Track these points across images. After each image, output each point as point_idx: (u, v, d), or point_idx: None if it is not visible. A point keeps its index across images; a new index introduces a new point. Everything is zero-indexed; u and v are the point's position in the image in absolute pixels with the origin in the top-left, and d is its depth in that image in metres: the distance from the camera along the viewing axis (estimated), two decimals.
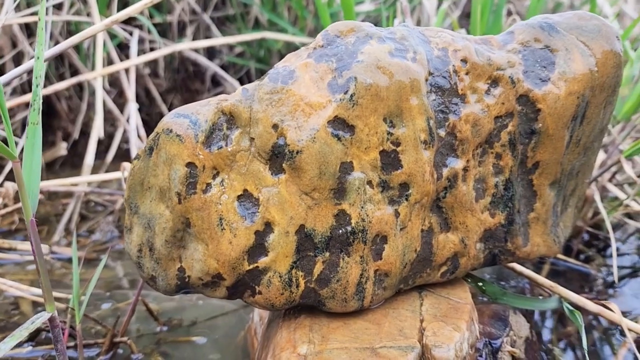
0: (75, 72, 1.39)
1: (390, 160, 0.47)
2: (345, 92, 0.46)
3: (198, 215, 0.46)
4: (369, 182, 0.47)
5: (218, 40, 1.27)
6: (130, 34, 1.34)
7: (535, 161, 0.54)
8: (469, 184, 0.51)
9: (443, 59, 0.50)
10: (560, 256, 0.87)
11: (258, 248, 0.47)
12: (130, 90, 1.19)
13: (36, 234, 0.45)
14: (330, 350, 0.45)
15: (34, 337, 0.68)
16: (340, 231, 0.47)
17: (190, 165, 0.46)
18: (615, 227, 0.95)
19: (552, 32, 0.53)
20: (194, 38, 1.58)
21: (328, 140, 0.45)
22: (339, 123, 0.46)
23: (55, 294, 0.73)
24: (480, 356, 0.51)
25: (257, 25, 1.59)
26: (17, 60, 1.32)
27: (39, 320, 0.45)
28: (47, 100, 1.41)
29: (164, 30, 1.53)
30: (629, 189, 0.91)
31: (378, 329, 0.48)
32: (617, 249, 0.91)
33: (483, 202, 0.53)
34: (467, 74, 0.50)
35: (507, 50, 0.53)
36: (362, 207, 0.47)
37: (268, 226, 0.47)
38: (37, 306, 0.77)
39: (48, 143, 1.41)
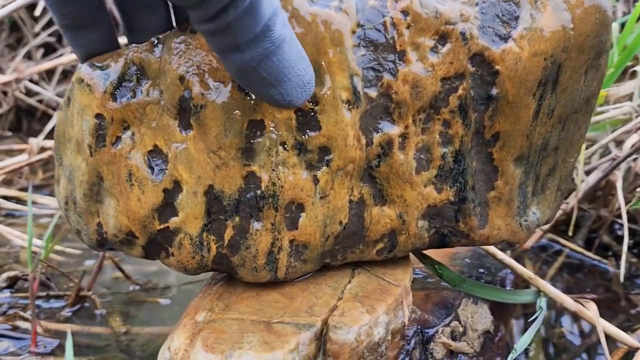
0: None
1: (307, 120, 0.43)
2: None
3: (108, 169, 0.45)
4: (283, 144, 0.43)
5: None
6: None
7: (495, 132, 0.47)
8: (408, 153, 0.46)
9: (379, 9, 0.44)
10: (577, 248, 0.78)
11: (168, 207, 0.45)
12: None
13: None
14: (224, 320, 0.43)
15: (13, 285, 0.71)
16: (249, 195, 0.44)
17: (98, 116, 0.44)
18: None
19: None
20: None
21: (234, 95, 0.42)
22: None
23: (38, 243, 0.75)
24: (408, 344, 0.46)
25: None
26: None
27: None
28: None
29: None
30: None
31: (288, 303, 0.45)
32: None
33: (427, 175, 0.47)
34: (407, 27, 0.44)
35: (462, 1, 0.46)
36: (274, 170, 0.43)
37: (177, 185, 0.44)
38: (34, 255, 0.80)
39: None
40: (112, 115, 0.44)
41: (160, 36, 0.45)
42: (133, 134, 0.44)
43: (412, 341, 0.47)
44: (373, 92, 0.44)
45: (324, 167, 0.44)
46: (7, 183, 1.05)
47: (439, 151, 0.47)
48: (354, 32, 0.43)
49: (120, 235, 0.46)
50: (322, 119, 0.43)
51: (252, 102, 0.42)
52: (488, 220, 0.49)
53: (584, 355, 0.61)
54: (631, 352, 0.54)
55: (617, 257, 0.77)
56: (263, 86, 0.38)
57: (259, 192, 0.44)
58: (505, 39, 0.45)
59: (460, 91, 0.45)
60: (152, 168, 0.44)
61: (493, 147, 0.48)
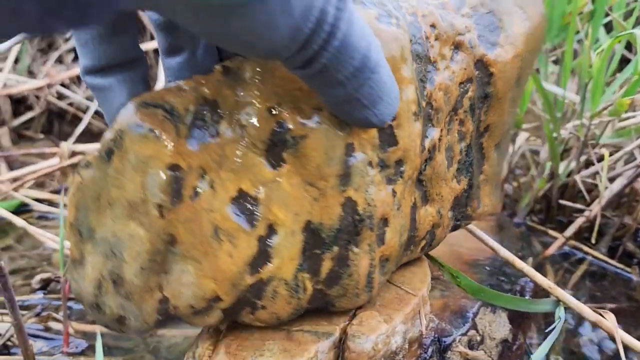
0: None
1: (386, 137, 0.43)
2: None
3: (187, 228, 0.37)
4: (370, 163, 0.42)
5: None
6: None
7: (487, 125, 0.52)
8: (442, 153, 0.49)
9: (415, 24, 0.46)
10: (600, 256, 0.78)
11: (261, 256, 0.40)
12: None
13: None
14: (245, 328, 0.44)
15: (46, 286, 0.74)
16: (348, 220, 0.42)
17: (173, 167, 0.37)
18: None
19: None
20: None
21: (332, 120, 0.39)
22: None
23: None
24: (425, 352, 0.47)
25: None
26: None
27: None
28: None
29: None
30: None
31: (312, 311, 0.46)
32: None
33: (452, 170, 0.51)
34: (436, 39, 0.46)
35: (462, 14, 0.49)
36: (367, 191, 0.42)
37: (271, 228, 0.40)
38: (66, 257, 0.83)
39: None
40: (190, 163, 0.38)
41: (229, 63, 0.39)
42: (212, 180, 0.38)
43: (430, 350, 0.48)
44: (423, 102, 0.46)
45: (399, 179, 0.44)
46: (40, 185, 1.09)
47: (458, 147, 0.51)
48: (409, 47, 0.45)
49: (200, 305, 0.40)
50: (399, 133, 0.43)
51: (346, 125, 0.41)
52: (481, 200, 0.55)
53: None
54: None
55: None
56: (360, 110, 0.37)
57: (356, 216, 0.42)
58: (494, 45, 0.50)
59: (470, 93, 0.50)
60: (241, 215, 0.39)
61: (483, 137, 0.53)
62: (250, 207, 0.39)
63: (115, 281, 0.39)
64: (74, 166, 1.06)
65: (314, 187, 0.40)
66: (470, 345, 0.50)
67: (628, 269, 0.75)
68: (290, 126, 0.39)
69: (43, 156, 1.17)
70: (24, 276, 0.78)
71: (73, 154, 1.03)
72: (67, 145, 1.01)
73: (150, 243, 0.37)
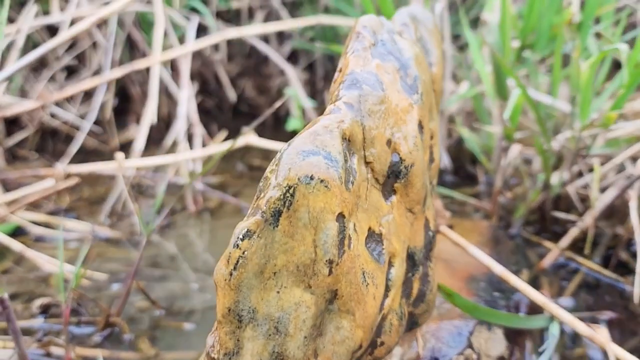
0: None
1: (430, 156, 0.46)
2: (417, 93, 0.42)
3: (347, 280, 0.36)
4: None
5: (267, 27, 1.27)
6: (188, 18, 1.38)
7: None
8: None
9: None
10: (594, 267, 0.79)
11: (385, 291, 0.40)
12: (185, 76, 1.24)
13: None
14: None
15: (45, 310, 0.74)
16: (428, 239, 0.43)
17: (340, 217, 0.35)
18: None
19: (419, 25, 0.53)
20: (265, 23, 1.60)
21: (420, 146, 0.41)
22: (420, 126, 0.41)
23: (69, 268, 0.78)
24: None
25: (327, 10, 1.57)
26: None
27: None
28: (123, 85, 1.51)
29: (234, 17, 1.57)
30: None
31: None
32: None
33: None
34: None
35: (413, 42, 0.49)
36: (429, 209, 0.44)
37: (390, 261, 0.40)
38: (65, 282, 0.83)
39: (123, 126, 1.50)
40: (349, 209, 0.36)
41: (346, 101, 0.38)
42: (354, 224, 0.37)
43: None
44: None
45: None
46: (35, 206, 1.09)
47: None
48: None
49: (347, 357, 0.38)
50: (435, 150, 0.47)
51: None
52: None
53: None
54: None
55: (635, 274, 0.77)
56: None
57: (430, 232, 0.44)
58: (432, 65, 0.52)
59: None
60: (374, 254, 0.39)
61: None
62: (377, 244, 0.38)
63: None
64: (70, 188, 1.06)
65: (411, 212, 0.41)
66: None
67: (622, 279, 0.76)
68: (403, 156, 0.39)
69: (38, 177, 1.17)
70: (23, 300, 0.78)
71: (68, 175, 1.03)
72: (62, 167, 1.01)
73: (316, 306, 0.35)
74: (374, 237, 0.38)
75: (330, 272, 0.34)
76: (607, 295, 0.75)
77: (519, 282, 0.61)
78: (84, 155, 1.36)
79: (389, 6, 0.89)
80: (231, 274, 0.34)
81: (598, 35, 1.01)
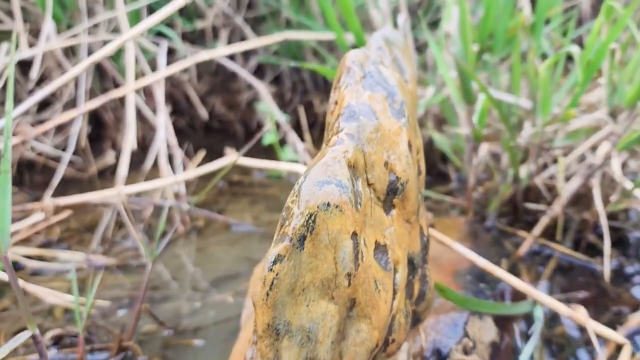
0: (118, 86, 1.49)
1: (418, 169, 0.51)
2: (404, 116, 0.48)
3: (363, 289, 0.41)
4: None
5: (242, 45, 1.31)
6: (157, 44, 1.41)
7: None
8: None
9: None
10: (566, 251, 0.86)
11: (394, 294, 0.45)
12: (160, 101, 1.27)
13: (10, 267, 0.51)
14: None
15: (58, 341, 0.77)
16: (423, 243, 0.50)
17: (353, 235, 0.40)
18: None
19: (392, 47, 0.57)
20: (229, 41, 1.64)
21: (411, 163, 0.46)
22: (409, 145, 0.47)
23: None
24: None
25: (289, 24, 1.62)
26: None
27: (21, 339, 0.52)
28: (96, 112, 1.52)
29: (198, 37, 1.60)
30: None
31: None
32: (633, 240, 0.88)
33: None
34: None
35: (393, 68, 0.55)
36: (421, 217, 0.50)
37: (395, 268, 0.46)
38: (68, 312, 0.86)
39: (99, 152, 1.52)
40: (360, 226, 0.41)
41: (348, 132, 0.43)
42: (364, 239, 0.42)
43: None
44: None
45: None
46: (26, 240, 1.11)
47: None
48: None
49: (366, 356, 0.43)
50: (421, 163, 0.53)
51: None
52: None
53: (583, 350, 0.68)
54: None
55: (603, 255, 0.84)
56: None
57: (424, 238, 0.50)
58: (407, 81, 0.56)
59: None
60: (381, 263, 0.44)
61: None
62: (383, 255, 0.44)
63: None
64: (61, 222, 1.08)
65: (408, 222, 0.47)
66: (465, 352, 0.56)
67: (592, 260, 0.83)
68: (398, 175, 0.45)
69: (24, 211, 1.18)
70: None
71: (57, 208, 1.05)
72: (51, 200, 1.03)
73: (339, 314, 0.40)
74: (380, 249, 0.44)
75: (349, 283, 0.40)
76: (580, 276, 0.82)
77: (501, 273, 0.67)
78: (63, 185, 1.38)
79: (354, 21, 0.95)
80: (267, 294, 0.39)
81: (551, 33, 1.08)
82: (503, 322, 0.64)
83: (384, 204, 0.45)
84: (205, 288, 0.89)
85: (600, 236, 0.89)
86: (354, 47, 1.14)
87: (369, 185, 0.43)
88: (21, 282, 0.86)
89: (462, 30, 0.91)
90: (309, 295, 0.39)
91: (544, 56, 1.08)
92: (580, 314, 0.59)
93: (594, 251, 0.86)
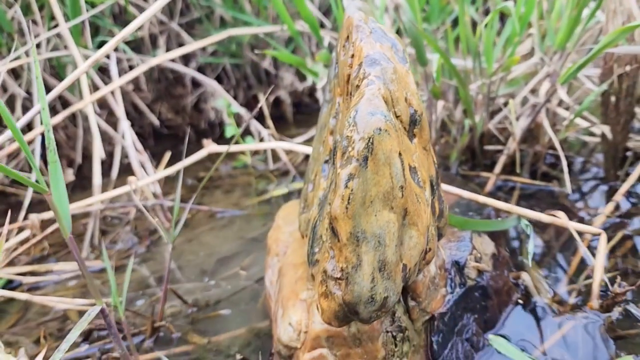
0: (64, 102, 1.49)
1: None
2: (407, 62, 0.55)
3: (411, 200, 0.49)
4: None
5: (188, 47, 1.36)
6: (108, 57, 1.43)
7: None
8: None
9: None
10: (526, 180, 0.98)
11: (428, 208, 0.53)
12: (120, 110, 1.29)
13: (75, 247, 0.56)
14: None
15: (87, 337, 0.80)
16: (435, 169, 0.57)
17: (399, 155, 0.47)
18: (579, 146, 1.06)
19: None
20: (167, 47, 1.67)
21: (420, 99, 0.54)
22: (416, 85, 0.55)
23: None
24: (450, 274, 0.62)
25: (223, 23, 1.68)
26: (11, 102, 1.42)
27: (92, 313, 0.56)
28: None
29: (137, 46, 1.63)
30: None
31: None
32: (583, 164, 1.02)
33: None
34: None
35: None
36: (431, 149, 0.58)
37: (423, 186, 0.53)
38: (83, 315, 0.88)
39: None
40: (402, 149, 0.49)
41: (375, 74, 0.50)
42: (403, 161, 0.49)
43: (452, 270, 0.63)
44: None
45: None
46: (15, 258, 1.11)
47: None
48: None
49: (418, 258, 0.51)
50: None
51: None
52: None
53: (569, 246, 0.79)
54: (595, 236, 0.73)
55: (557, 179, 0.97)
56: None
57: (435, 165, 0.57)
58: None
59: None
60: (415, 181, 0.52)
61: None
62: (414, 174, 0.52)
63: (380, 269, 0.47)
64: (48, 237, 1.09)
65: (425, 150, 0.54)
66: (476, 261, 0.66)
67: (550, 184, 0.96)
68: (416, 108, 0.52)
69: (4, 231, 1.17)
70: (54, 339, 0.83)
71: (42, 222, 1.06)
72: (36, 217, 1.05)
73: (398, 222, 0.48)
74: (412, 170, 0.52)
75: (402, 194, 0.47)
76: (542, 201, 0.94)
77: (486, 199, 0.77)
78: (30, 208, 1.37)
79: (306, 10, 1.03)
80: (347, 208, 0.46)
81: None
82: (495, 238, 0.74)
83: (408, 134, 0.53)
84: (212, 269, 0.94)
85: (552, 165, 1.02)
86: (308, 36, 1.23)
87: (397, 117, 0.51)
88: (26, 296, 0.88)
89: (410, 0, 1.01)
90: (375, 207, 0.46)
91: (473, 23, 1.21)
92: (560, 217, 0.71)
93: (549, 177, 0.99)
